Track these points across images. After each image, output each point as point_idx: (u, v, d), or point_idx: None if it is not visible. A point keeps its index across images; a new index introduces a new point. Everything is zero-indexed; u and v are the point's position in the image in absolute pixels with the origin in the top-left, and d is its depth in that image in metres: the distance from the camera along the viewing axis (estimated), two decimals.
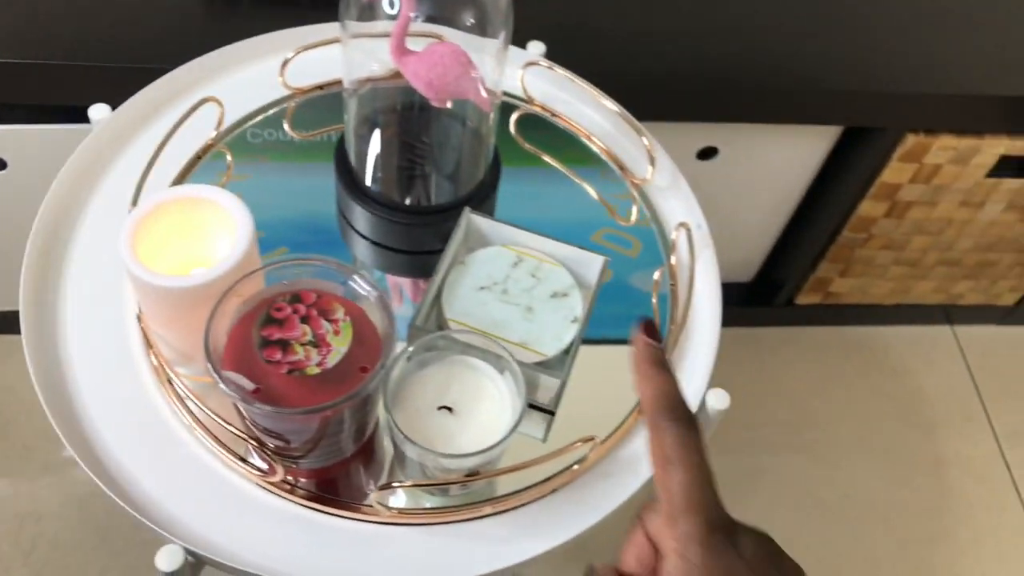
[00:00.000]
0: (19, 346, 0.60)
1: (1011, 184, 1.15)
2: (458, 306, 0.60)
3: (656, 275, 0.69)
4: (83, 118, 0.72)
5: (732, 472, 1.32)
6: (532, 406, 0.59)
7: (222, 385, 0.48)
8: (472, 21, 0.59)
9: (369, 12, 0.59)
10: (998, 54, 1.06)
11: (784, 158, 1.15)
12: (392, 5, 0.56)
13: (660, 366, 0.40)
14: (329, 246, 0.70)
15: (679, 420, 0.38)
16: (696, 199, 0.73)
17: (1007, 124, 1.07)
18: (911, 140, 1.07)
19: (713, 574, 0.35)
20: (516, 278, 0.62)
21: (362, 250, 0.69)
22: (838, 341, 1.47)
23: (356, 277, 0.53)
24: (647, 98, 0.98)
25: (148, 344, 0.59)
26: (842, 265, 1.30)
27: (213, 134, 0.71)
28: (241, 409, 0.51)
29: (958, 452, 1.38)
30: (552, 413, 0.59)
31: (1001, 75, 1.04)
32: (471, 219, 0.63)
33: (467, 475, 0.54)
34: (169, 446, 0.58)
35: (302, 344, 0.51)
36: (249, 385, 0.50)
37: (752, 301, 1.42)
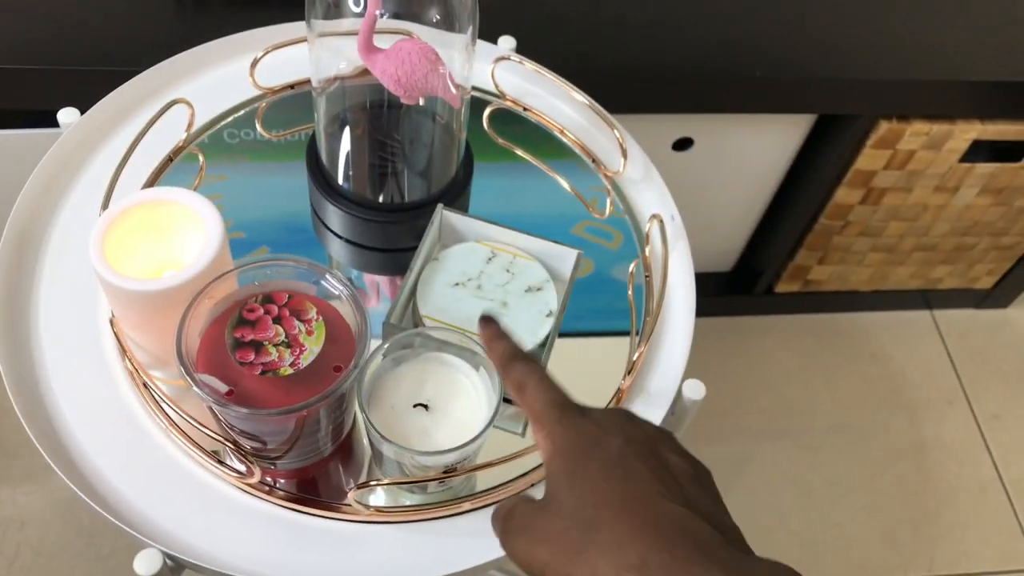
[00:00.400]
0: None
1: (984, 168, 1.16)
2: (432, 303, 0.60)
3: (631, 267, 0.70)
4: (52, 122, 0.71)
5: (716, 460, 1.32)
6: (509, 401, 0.59)
7: (195, 388, 0.48)
8: (439, 17, 0.59)
9: (335, 11, 0.59)
10: (968, 40, 1.07)
11: (759, 147, 1.16)
12: (358, 3, 0.56)
13: (499, 336, 0.49)
14: (309, 245, 0.70)
15: (521, 358, 0.47)
16: (669, 190, 0.73)
17: (979, 109, 1.08)
18: (884, 127, 1.07)
19: (568, 436, 0.42)
20: (490, 273, 0.62)
21: (337, 249, 0.69)
22: (818, 328, 1.48)
23: (328, 276, 0.53)
24: (621, 90, 0.98)
25: (122, 348, 0.59)
26: (820, 253, 1.31)
27: (184, 136, 0.70)
28: (216, 411, 0.51)
29: (939, 436, 1.40)
30: None
31: (972, 61, 1.05)
32: (444, 215, 0.63)
33: (445, 472, 0.54)
34: (146, 450, 0.58)
35: (275, 345, 0.51)
36: (222, 387, 0.49)
37: (732, 290, 1.42)
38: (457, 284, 0.61)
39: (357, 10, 0.56)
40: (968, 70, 1.04)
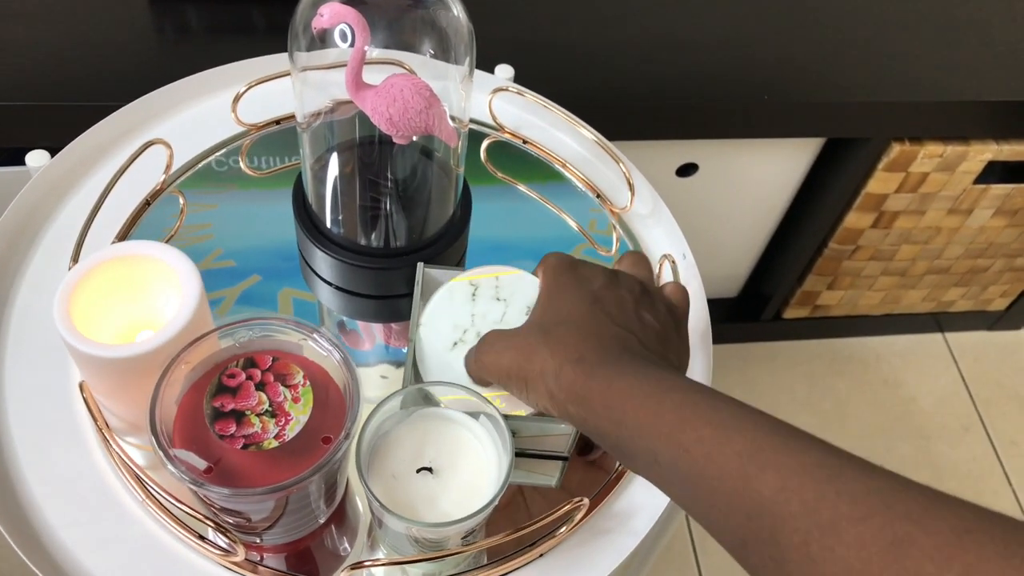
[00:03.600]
0: None
1: (999, 189, 1.12)
2: (438, 374, 0.53)
3: None
4: (17, 160, 0.67)
5: None
6: (544, 456, 0.54)
7: (171, 466, 0.44)
8: (433, 47, 0.55)
9: (320, 44, 0.54)
10: (981, 60, 1.03)
11: (766, 171, 1.12)
12: (345, 37, 0.51)
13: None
14: (300, 273, 0.66)
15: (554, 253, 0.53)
16: (679, 226, 0.69)
17: (993, 130, 1.04)
18: (896, 149, 1.03)
19: (561, 266, 0.52)
20: (483, 313, 0.55)
21: (327, 296, 0.64)
22: (827, 353, 1.44)
23: (316, 336, 0.49)
24: (623, 117, 0.94)
25: (93, 415, 0.54)
26: (830, 277, 1.27)
27: (162, 178, 0.66)
28: (193, 489, 0.47)
29: (955, 463, 1.35)
30: (566, 459, 0.54)
31: (985, 81, 1.01)
32: (427, 273, 0.57)
33: (463, 538, 0.49)
34: (121, 525, 0.53)
35: (258, 415, 0.46)
36: (201, 464, 0.45)
37: (739, 316, 1.38)
38: (456, 343, 0.56)
39: (344, 45, 0.52)
40: (982, 90, 1.00)
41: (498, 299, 0.55)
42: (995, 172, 1.10)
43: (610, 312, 0.48)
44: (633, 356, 0.45)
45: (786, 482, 0.36)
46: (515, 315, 0.54)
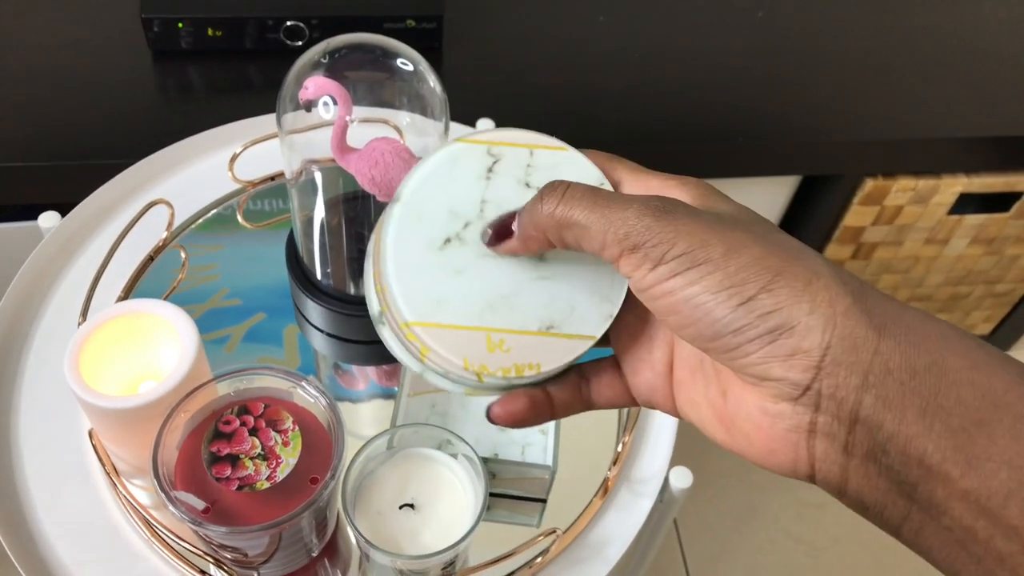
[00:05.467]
0: None
1: (973, 219, 1.16)
2: (412, 286, 0.34)
3: None
4: (30, 214, 0.71)
5: (720, 515, 1.31)
6: (522, 498, 0.58)
7: (172, 507, 0.48)
8: (410, 113, 0.60)
9: (306, 111, 0.59)
10: (948, 97, 1.08)
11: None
12: (328, 109, 0.56)
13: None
14: None
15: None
16: None
17: (963, 164, 1.08)
18: (870, 184, 1.08)
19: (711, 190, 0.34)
20: (499, 200, 0.35)
21: (320, 342, 0.69)
22: None
23: (304, 384, 0.53)
24: None
25: (102, 459, 0.58)
26: None
27: (164, 235, 0.70)
28: (193, 528, 0.51)
29: None
30: (544, 501, 0.58)
31: (953, 118, 1.05)
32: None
33: (444, 569, 0.53)
34: (127, 561, 0.57)
35: (251, 458, 0.50)
36: (199, 504, 0.49)
37: None
38: (448, 241, 0.35)
39: (327, 116, 0.56)
40: (950, 127, 1.04)
41: (527, 184, 0.36)
42: (969, 203, 1.14)
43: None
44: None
45: None
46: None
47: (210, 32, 0.95)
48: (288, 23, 0.94)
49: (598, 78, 1.03)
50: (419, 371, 0.36)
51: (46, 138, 0.87)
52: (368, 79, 0.57)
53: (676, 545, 1.28)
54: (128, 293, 0.67)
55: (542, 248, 0.33)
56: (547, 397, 0.36)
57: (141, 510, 0.57)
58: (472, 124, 0.81)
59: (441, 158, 0.36)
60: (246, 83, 0.96)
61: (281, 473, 0.50)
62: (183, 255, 0.72)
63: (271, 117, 0.77)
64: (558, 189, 0.32)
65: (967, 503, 0.27)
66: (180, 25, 0.94)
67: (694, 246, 0.29)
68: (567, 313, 0.35)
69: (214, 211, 0.74)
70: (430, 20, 0.97)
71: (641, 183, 0.35)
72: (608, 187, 0.35)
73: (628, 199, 0.31)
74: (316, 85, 0.56)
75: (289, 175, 0.64)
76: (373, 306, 0.37)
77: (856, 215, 1.11)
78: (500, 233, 0.34)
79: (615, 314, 0.35)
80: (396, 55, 0.57)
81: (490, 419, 0.36)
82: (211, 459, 0.50)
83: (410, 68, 0.58)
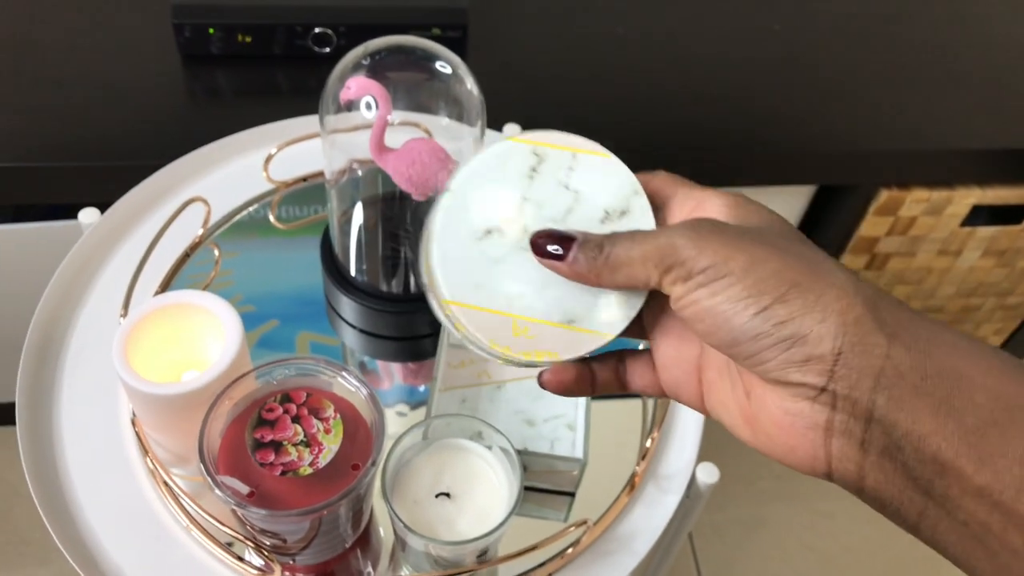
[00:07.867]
0: (16, 438, 0.61)
1: (985, 232, 1.17)
2: (453, 268, 0.37)
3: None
4: (70, 212, 0.73)
5: (730, 525, 1.32)
6: (551, 491, 0.59)
7: (217, 491, 0.49)
8: (447, 114, 0.61)
9: (347, 110, 0.61)
10: (963, 110, 1.09)
11: None
12: (369, 107, 0.58)
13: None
14: (319, 317, 0.71)
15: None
16: None
17: (976, 176, 1.10)
18: (884, 195, 1.09)
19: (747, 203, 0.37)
20: (540, 199, 0.38)
21: (351, 338, 0.70)
22: None
23: (345, 374, 0.54)
24: None
25: (143, 447, 0.60)
26: None
27: (200, 231, 0.72)
28: (236, 511, 0.52)
29: None
30: (572, 495, 0.59)
31: (967, 130, 1.07)
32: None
33: (478, 557, 0.55)
34: (165, 546, 0.58)
35: (294, 445, 0.51)
36: (244, 489, 0.50)
37: None
38: (489, 233, 0.38)
39: (369, 115, 0.58)
40: (964, 139, 1.06)
41: (567, 187, 0.38)
42: (982, 215, 1.15)
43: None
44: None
45: None
46: (585, 217, 0.38)
47: (240, 38, 0.97)
48: (316, 30, 0.96)
49: (617, 86, 1.05)
50: (459, 338, 0.39)
51: (82, 140, 0.89)
52: (408, 80, 0.59)
53: (690, 552, 1.29)
54: (165, 287, 0.69)
55: (588, 283, 0.36)
56: (591, 373, 0.40)
57: (180, 495, 0.58)
58: (497, 130, 0.83)
59: (490, 154, 0.38)
60: (274, 88, 0.98)
61: (324, 459, 0.51)
62: (216, 252, 0.73)
63: (301, 120, 0.79)
64: (604, 248, 0.35)
65: (981, 498, 0.29)
66: (211, 31, 0.96)
67: (717, 261, 0.32)
68: (589, 309, 0.37)
69: (248, 209, 0.76)
70: (455, 28, 0.99)
71: (688, 196, 0.39)
72: (643, 195, 0.39)
73: (658, 232, 0.35)
74: (358, 85, 0.57)
75: (329, 174, 0.65)
76: (422, 278, 0.40)
77: (871, 225, 1.13)
78: (546, 250, 0.36)
79: (633, 316, 0.38)
80: (436, 57, 0.59)
81: (541, 384, 0.39)
82: (255, 445, 0.51)
83: (448, 71, 0.60)
